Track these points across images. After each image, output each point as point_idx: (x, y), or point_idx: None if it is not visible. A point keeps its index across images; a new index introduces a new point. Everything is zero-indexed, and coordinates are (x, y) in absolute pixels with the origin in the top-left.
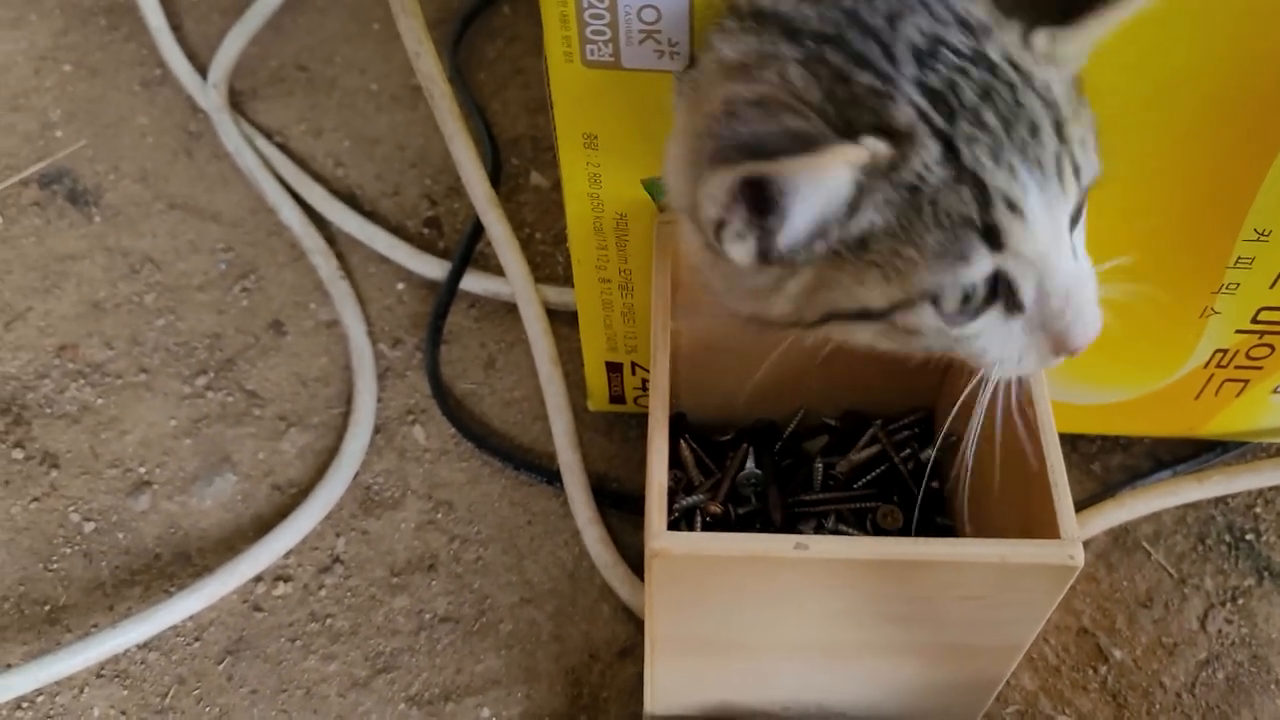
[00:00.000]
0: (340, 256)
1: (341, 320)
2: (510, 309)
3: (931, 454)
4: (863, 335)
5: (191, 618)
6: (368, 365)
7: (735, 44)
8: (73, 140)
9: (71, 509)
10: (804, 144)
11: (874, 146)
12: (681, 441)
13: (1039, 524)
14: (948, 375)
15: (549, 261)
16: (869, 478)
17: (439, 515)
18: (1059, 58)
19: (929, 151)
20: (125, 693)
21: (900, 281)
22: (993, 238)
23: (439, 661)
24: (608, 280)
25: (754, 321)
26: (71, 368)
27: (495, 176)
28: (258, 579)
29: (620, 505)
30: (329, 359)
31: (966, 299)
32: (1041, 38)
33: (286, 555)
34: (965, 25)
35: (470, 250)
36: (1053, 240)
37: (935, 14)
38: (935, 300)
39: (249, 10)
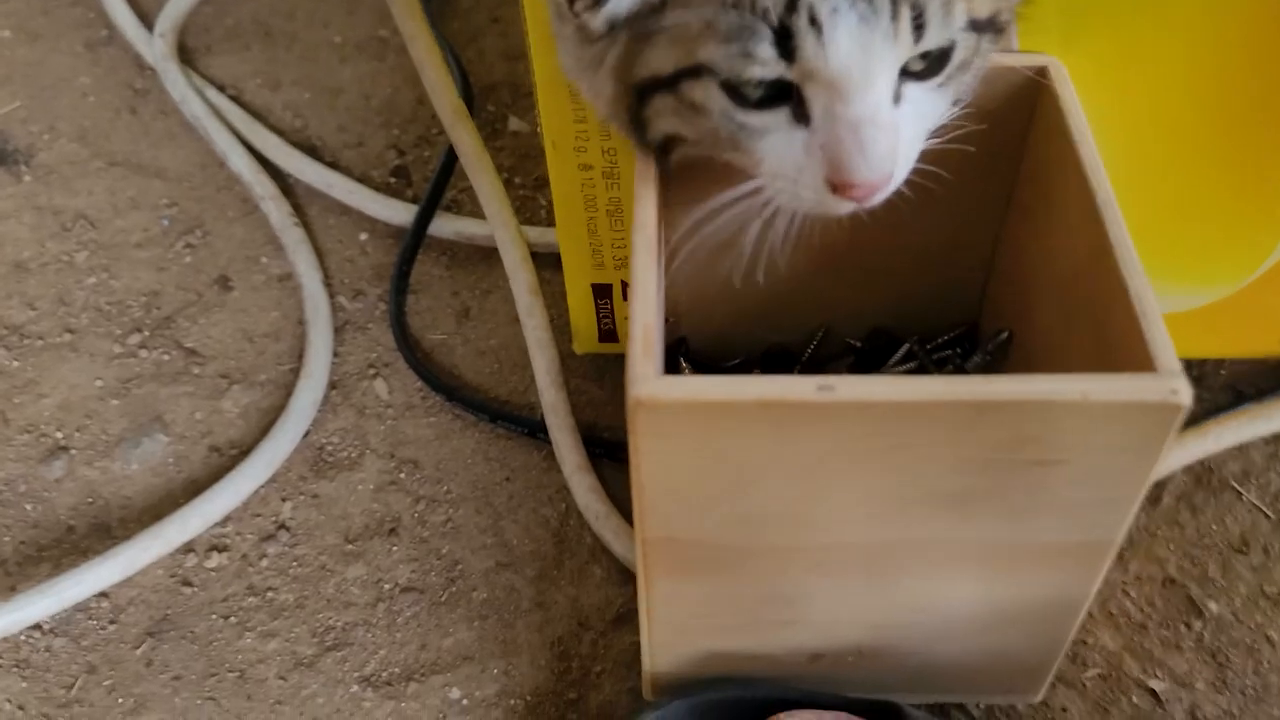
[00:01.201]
0: (297, 208)
1: (295, 270)
2: (486, 254)
3: (979, 361)
4: (665, 120)
5: (106, 594)
6: (323, 314)
7: None
8: (6, 102)
9: None
10: None
11: None
12: (681, 364)
13: (1126, 364)
14: (990, 279)
15: (530, 206)
16: None
17: (402, 475)
18: None
19: None
20: (24, 684)
21: (686, 47)
22: (785, 44)
23: (400, 636)
24: (589, 166)
25: (610, 119)
26: None
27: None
28: (188, 549)
29: (613, 455)
30: (280, 314)
31: (752, 89)
32: None
33: (224, 522)
34: None
35: (440, 190)
36: (854, 70)
37: None
38: (721, 81)
39: None
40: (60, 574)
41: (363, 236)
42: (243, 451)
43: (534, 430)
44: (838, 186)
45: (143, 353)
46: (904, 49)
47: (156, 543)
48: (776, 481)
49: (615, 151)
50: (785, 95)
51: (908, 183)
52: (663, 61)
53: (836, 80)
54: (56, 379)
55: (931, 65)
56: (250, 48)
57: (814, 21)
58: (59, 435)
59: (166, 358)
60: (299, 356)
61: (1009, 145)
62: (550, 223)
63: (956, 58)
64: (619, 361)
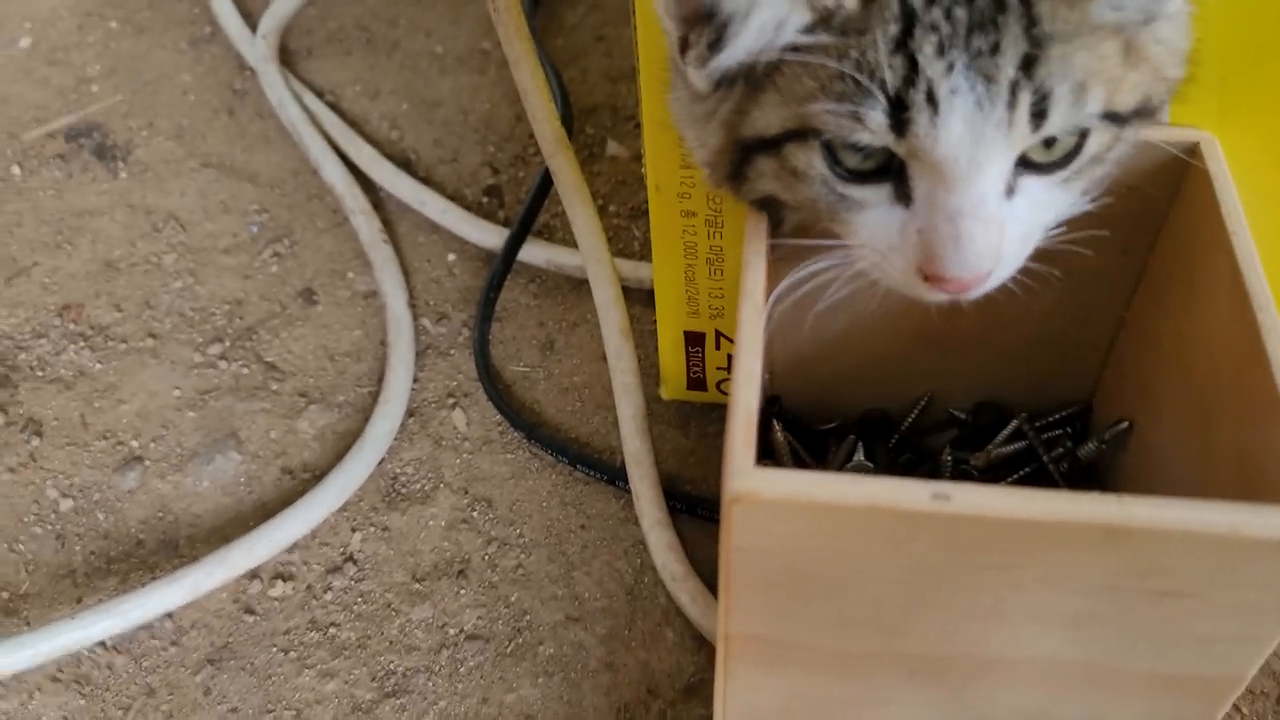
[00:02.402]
0: (387, 223)
1: (380, 288)
2: (575, 285)
3: (1093, 449)
4: (765, 181)
5: (170, 615)
6: (405, 338)
7: None
8: (108, 95)
9: (50, 483)
10: None
11: None
12: (775, 426)
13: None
14: (1110, 360)
15: (624, 236)
16: (1011, 479)
17: (475, 513)
18: (1093, 4)
19: (889, 21)
20: (82, 702)
21: (796, 106)
22: (898, 117)
23: (461, 688)
24: (692, 213)
25: (710, 173)
26: (73, 329)
27: None
28: (253, 574)
29: (694, 511)
30: (363, 333)
31: (856, 159)
32: None
33: (290, 549)
34: None
35: (533, 215)
36: (962, 157)
37: None
38: (827, 145)
39: None
40: (127, 590)
41: (451, 257)
42: (315, 475)
43: (614, 477)
44: (928, 276)
45: (222, 364)
46: (1019, 138)
47: (223, 567)
48: (877, 587)
49: (721, 200)
50: (888, 171)
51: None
52: (770, 121)
53: (943, 164)
54: (136, 385)
55: (1058, 159)
56: (351, 53)
57: (931, 98)
58: (135, 444)
59: (246, 371)
60: (378, 379)
61: (1146, 221)
62: (643, 256)
63: (1088, 152)
64: (706, 410)
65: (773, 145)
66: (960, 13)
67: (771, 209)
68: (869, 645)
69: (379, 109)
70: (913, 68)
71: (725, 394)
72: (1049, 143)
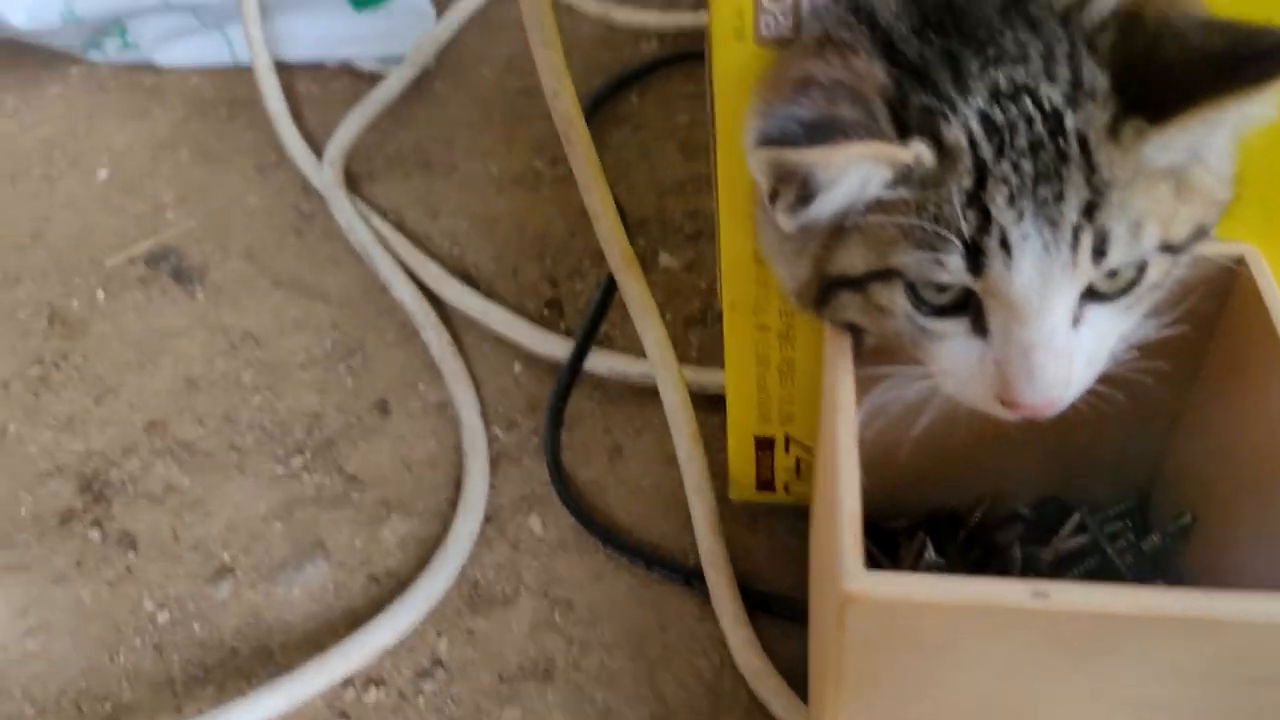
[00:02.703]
0: (454, 336)
1: (453, 400)
2: (637, 394)
3: (1157, 542)
4: (849, 312)
5: None
6: (480, 447)
7: (831, 26)
8: (183, 221)
9: (146, 595)
10: (863, 132)
11: (919, 152)
12: None
13: None
14: (1169, 452)
15: (679, 344)
16: (1077, 571)
17: (557, 616)
18: (1147, 150)
19: (963, 174)
20: None
21: (880, 251)
22: (975, 260)
23: None
24: (765, 327)
25: (794, 297)
26: (159, 445)
27: None
28: (347, 682)
29: (770, 608)
30: (437, 442)
31: (937, 295)
32: (1129, 130)
33: (381, 655)
34: (1071, 87)
35: (596, 325)
36: (1034, 295)
37: (1047, 70)
38: (909, 285)
39: (368, 97)
40: (225, 699)
41: (516, 367)
42: (400, 582)
43: (689, 577)
44: (1005, 402)
45: (305, 476)
46: (1083, 274)
47: (319, 676)
48: (978, 683)
49: (792, 315)
50: (965, 306)
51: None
52: (855, 262)
53: (1016, 302)
54: (224, 498)
55: (1120, 288)
56: (411, 175)
57: (1004, 244)
58: (225, 556)
59: (327, 482)
60: (455, 486)
61: (1201, 325)
62: (700, 362)
63: (1148, 280)
64: (774, 512)
65: (857, 283)
66: (1027, 165)
67: (853, 331)
68: None
69: (440, 227)
70: (986, 217)
71: (793, 495)
72: (1111, 274)
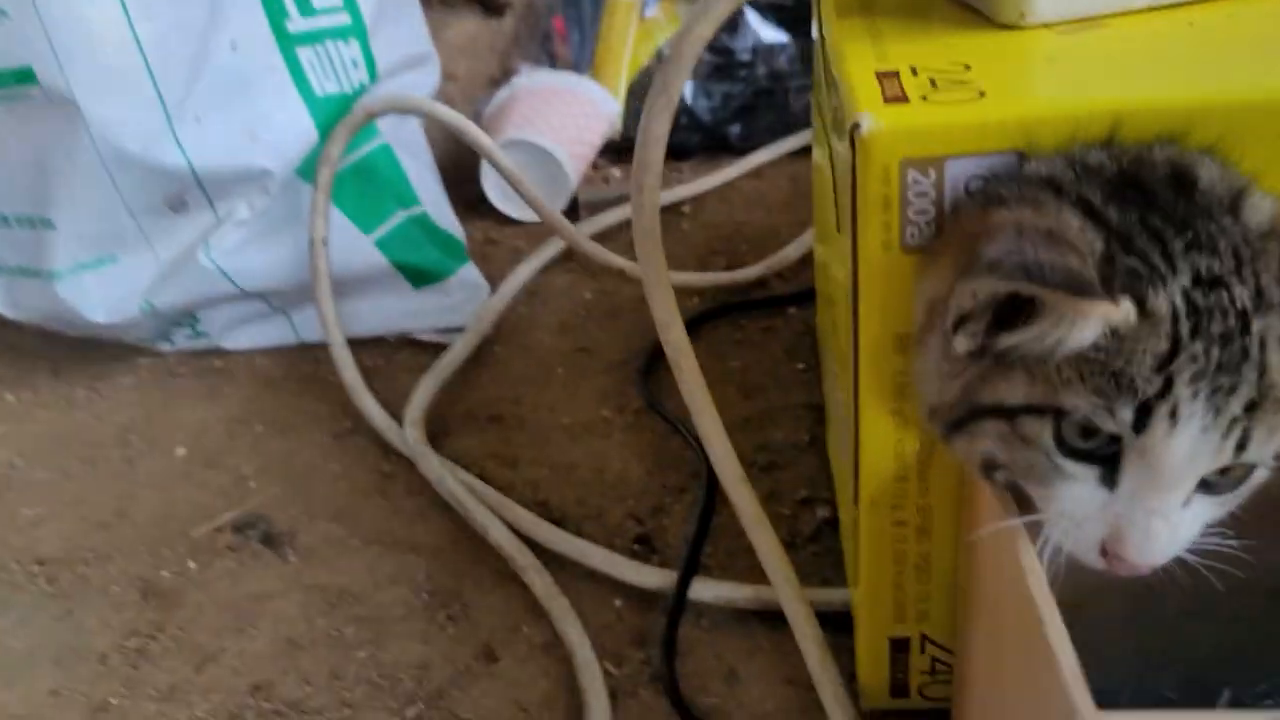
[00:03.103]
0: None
1: (564, 637)
2: (743, 617)
3: None
4: (986, 441)
5: None
6: (597, 681)
7: (1006, 188)
8: (266, 489)
9: None
10: (1078, 286)
11: (1128, 312)
12: None
13: None
14: None
15: None
16: None
17: None
18: None
19: (1159, 341)
20: None
21: (1047, 388)
22: (1142, 419)
23: None
24: (903, 524)
25: (930, 415)
26: (267, 707)
27: (710, 491)
28: None
29: None
30: (549, 683)
31: (1082, 439)
32: None
33: None
34: (1256, 292)
35: (699, 549)
36: (1178, 467)
37: (1238, 271)
38: (1058, 420)
39: (438, 363)
40: None
41: (617, 603)
42: None
43: None
44: (1109, 553)
45: None
46: (1222, 461)
47: None
48: None
49: (931, 509)
50: (1103, 457)
51: None
52: (1016, 394)
53: (1160, 469)
54: None
55: (1229, 484)
56: (485, 431)
57: (1174, 414)
58: None
59: None
60: None
61: None
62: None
63: (1253, 481)
64: (910, 715)
65: (1009, 413)
66: (1215, 353)
67: (985, 467)
68: None
69: (520, 476)
70: (1168, 385)
71: (929, 699)
72: (1225, 470)
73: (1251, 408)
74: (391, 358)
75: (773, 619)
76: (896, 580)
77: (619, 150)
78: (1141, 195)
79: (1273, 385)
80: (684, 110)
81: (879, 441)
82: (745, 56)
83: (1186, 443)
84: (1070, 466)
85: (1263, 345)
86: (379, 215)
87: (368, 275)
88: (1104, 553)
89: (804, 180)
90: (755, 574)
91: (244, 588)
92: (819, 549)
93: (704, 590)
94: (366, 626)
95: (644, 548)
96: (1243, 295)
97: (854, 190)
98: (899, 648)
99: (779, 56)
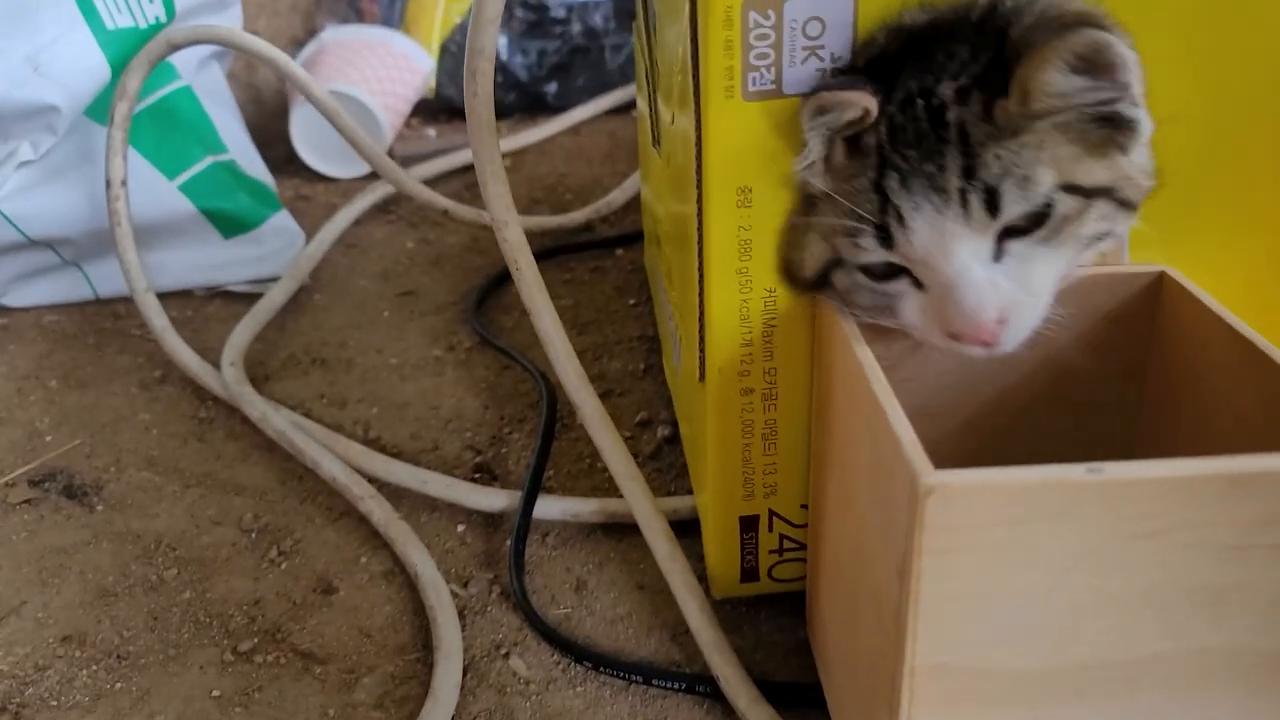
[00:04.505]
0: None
1: (406, 560)
2: (590, 531)
3: None
4: (840, 283)
5: None
6: (445, 599)
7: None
8: (65, 441)
9: None
10: (846, 85)
11: (872, 105)
12: None
13: None
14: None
15: (617, 489)
16: None
17: None
18: (1016, 119)
19: (869, 170)
20: None
21: (828, 245)
22: (884, 237)
23: None
24: (750, 391)
25: (797, 282)
26: (81, 655)
27: (551, 408)
28: None
29: (780, 699)
30: (392, 607)
31: (875, 268)
32: (998, 109)
33: None
34: (958, 90)
35: (542, 466)
36: (934, 249)
37: (951, 71)
38: (857, 265)
39: (255, 307)
40: None
41: (460, 528)
42: None
43: (692, 684)
44: (951, 335)
45: (257, 658)
46: (981, 224)
47: None
48: (1044, 582)
49: (776, 373)
50: (901, 270)
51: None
52: (817, 255)
53: (922, 258)
54: (169, 693)
55: (1030, 222)
56: (309, 373)
57: (900, 218)
58: None
59: (284, 661)
60: (423, 646)
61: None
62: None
63: (1056, 215)
64: (759, 607)
65: (825, 272)
66: (913, 154)
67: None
68: (1042, 660)
69: (349, 416)
70: (884, 198)
71: (779, 581)
72: (1027, 215)
73: (969, 173)
74: (200, 309)
75: (618, 531)
76: (745, 454)
77: (434, 110)
78: (929, 37)
79: (984, 150)
80: (500, 68)
81: (724, 307)
82: (560, 13)
83: (926, 229)
84: (890, 288)
85: (961, 127)
86: (183, 159)
87: (172, 223)
88: (957, 338)
89: (623, 136)
90: (597, 494)
91: (45, 540)
92: (660, 465)
93: (549, 507)
94: (189, 568)
95: (484, 475)
96: (947, 92)
97: (695, 39)
98: (748, 526)
99: (594, 14)
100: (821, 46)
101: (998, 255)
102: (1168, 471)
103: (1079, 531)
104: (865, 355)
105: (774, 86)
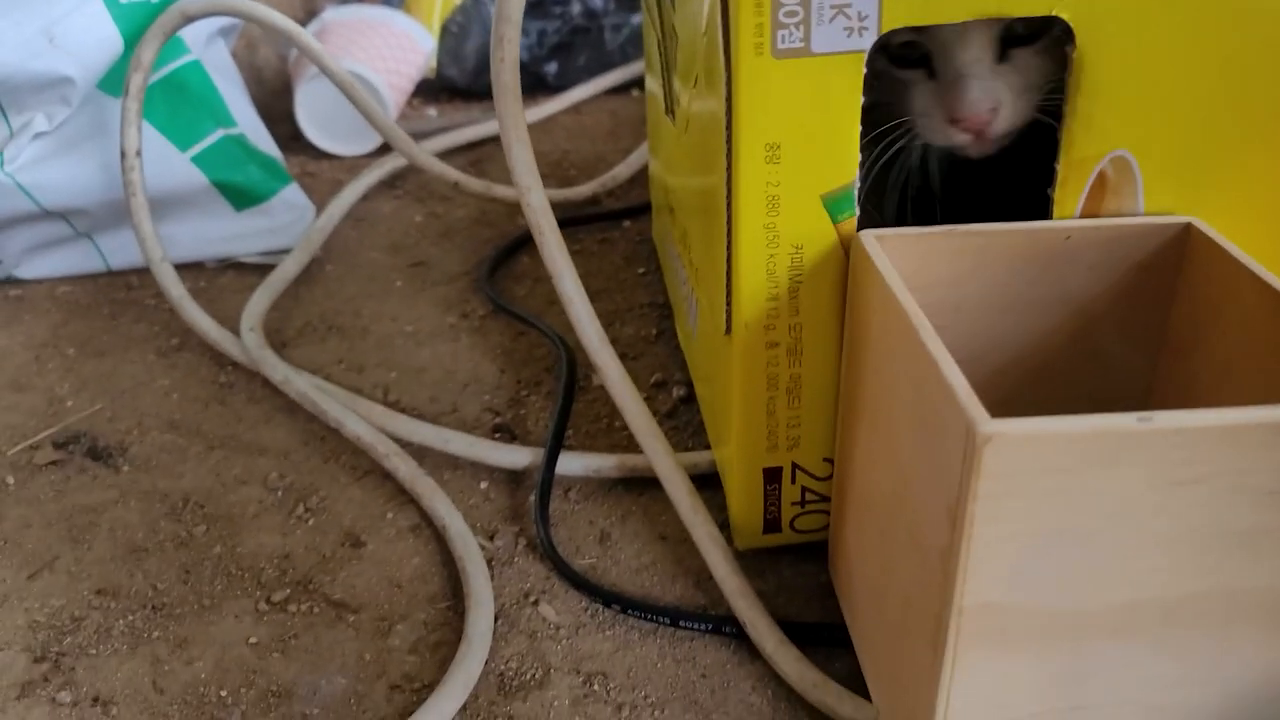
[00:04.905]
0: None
1: (434, 514)
2: (611, 486)
3: None
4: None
5: None
6: (473, 549)
7: None
8: (86, 406)
9: None
10: None
11: None
12: None
13: None
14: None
15: (635, 446)
16: None
17: (595, 687)
18: None
19: None
20: None
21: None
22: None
23: None
24: (775, 345)
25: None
26: (115, 606)
27: (571, 368)
28: None
29: (806, 640)
30: (421, 559)
31: (901, 55)
32: None
33: None
34: None
35: (564, 422)
36: (954, 43)
37: None
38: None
39: (271, 275)
40: None
41: (483, 484)
42: (424, 684)
43: (719, 626)
44: (952, 120)
45: (291, 608)
46: (990, 29)
47: None
48: (1088, 523)
49: (801, 328)
50: (924, 60)
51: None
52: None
53: (942, 45)
54: (206, 641)
55: (1032, 33)
56: (326, 340)
57: None
58: (223, 693)
59: (317, 610)
60: (454, 595)
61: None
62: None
63: (1055, 31)
64: (781, 557)
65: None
66: None
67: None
68: (1082, 599)
69: (368, 380)
70: None
71: (800, 532)
72: (1027, 23)
73: None
74: (214, 281)
75: (640, 486)
76: (769, 407)
77: (434, 90)
78: None
79: None
80: None
81: (752, 262)
82: None
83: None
84: (907, 75)
85: None
86: (195, 132)
87: (185, 194)
88: (955, 122)
89: (624, 114)
90: (617, 451)
91: (73, 500)
92: (677, 423)
93: (571, 463)
94: (217, 525)
95: (504, 435)
96: None
97: None
98: (771, 478)
99: None
100: (849, 5)
101: (1001, 58)
102: (1215, 420)
103: (1127, 478)
104: (911, 305)
105: (803, 44)
